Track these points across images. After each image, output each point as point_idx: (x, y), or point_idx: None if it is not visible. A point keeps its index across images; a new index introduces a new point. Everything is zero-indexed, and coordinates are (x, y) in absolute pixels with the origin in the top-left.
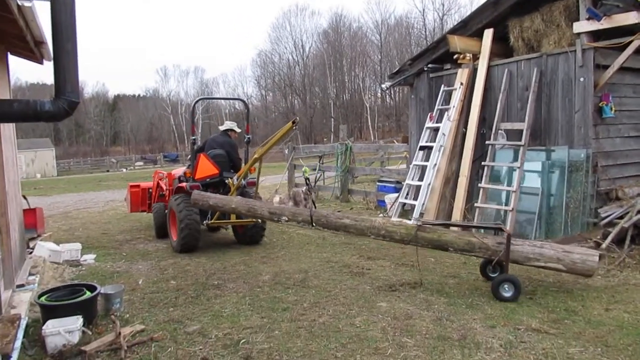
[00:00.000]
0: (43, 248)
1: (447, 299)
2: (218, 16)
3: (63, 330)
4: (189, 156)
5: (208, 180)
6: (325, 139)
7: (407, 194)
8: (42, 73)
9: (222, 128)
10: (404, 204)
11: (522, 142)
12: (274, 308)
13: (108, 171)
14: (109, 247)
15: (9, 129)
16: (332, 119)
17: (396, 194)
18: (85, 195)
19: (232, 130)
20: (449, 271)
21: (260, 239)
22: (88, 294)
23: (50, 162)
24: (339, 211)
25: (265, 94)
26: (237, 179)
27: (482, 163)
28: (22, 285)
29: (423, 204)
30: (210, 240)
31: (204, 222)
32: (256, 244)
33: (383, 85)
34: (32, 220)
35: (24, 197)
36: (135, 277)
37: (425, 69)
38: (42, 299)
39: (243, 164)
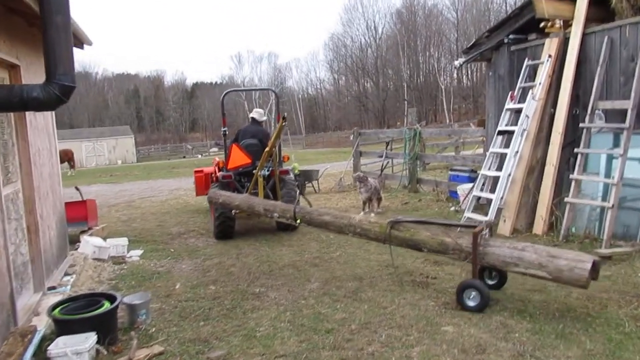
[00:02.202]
0: (88, 244)
1: (531, 324)
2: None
3: (70, 352)
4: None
5: (241, 169)
6: (398, 123)
7: (483, 186)
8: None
9: (254, 115)
10: (479, 198)
11: (627, 125)
12: (316, 329)
13: (184, 157)
14: (159, 242)
15: (44, 118)
16: (406, 102)
17: (470, 185)
18: (153, 183)
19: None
20: (533, 283)
21: (295, 227)
22: (106, 306)
23: (130, 149)
24: (405, 203)
25: (338, 78)
26: (259, 171)
27: (575, 150)
28: (53, 288)
29: (502, 197)
30: (265, 234)
31: (232, 211)
32: (292, 230)
33: (456, 62)
34: (82, 213)
35: (77, 188)
36: (175, 280)
37: (506, 40)
38: (56, 311)
39: (279, 151)
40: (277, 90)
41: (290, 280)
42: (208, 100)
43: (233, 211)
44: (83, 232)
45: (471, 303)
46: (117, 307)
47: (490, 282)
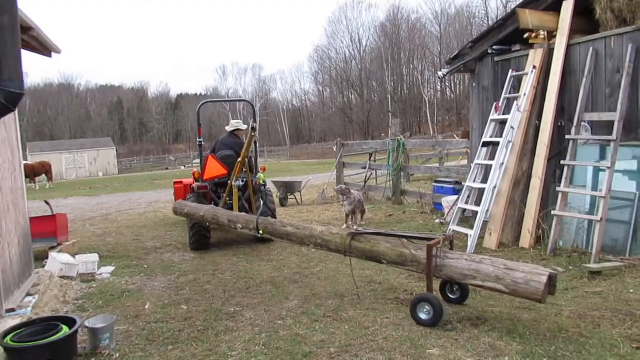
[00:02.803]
0: (55, 261)
1: (521, 346)
2: (275, 13)
3: None
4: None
5: (217, 180)
6: (383, 134)
7: (468, 198)
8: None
9: (228, 129)
10: (464, 210)
11: (613, 137)
12: (293, 352)
13: (167, 169)
14: (133, 257)
15: (5, 129)
16: (390, 114)
17: (455, 197)
18: (132, 196)
19: (238, 129)
20: (520, 301)
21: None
22: (64, 331)
23: (111, 161)
24: (389, 215)
25: (323, 90)
26: (234, 180)
27: (561, 162)
28: (12, 310)
29: (487, 210)
30: (244, 248)
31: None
32: (270, 242)
33: (440, 73)
34: (51, 228)
35: (47, 202)
36: (146, 298)
37: (490, 51)
38: (8, 338)
39: (254, 162)
40: (253, 102)
41: (268, 298)
42: (192, 112)
43: (207, 222)
44: (52, 248)
45: (424, 317)
46: (76, 332)
47: (452, 297)
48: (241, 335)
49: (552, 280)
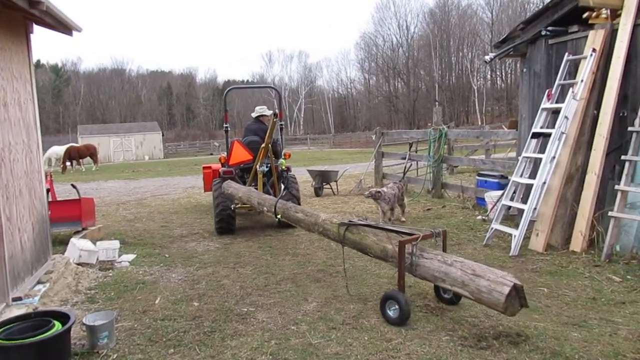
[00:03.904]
0: (74, 247)
1: None
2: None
3: None
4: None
5: (242, 165)
6: (428, 124)
7: (514, 194)
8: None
9: (254, 115)
10: (509, 207)
11: None
12: None
13: (212, 154)
14: (157, 245)
15: (20, 110)
16: (437, 103)
17: (499, 192)
18: (170, 180)
19: (263, 115)
20: (569, 314)
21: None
22: (55, 329)
23: (157, 145)
24: (428, 209)
25: (369, 78)
26: (258, 165)
27: (622, 157)
28: (19, 299)
29: (535, 208)
30: (271, 240)
31: (232, 206)
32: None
33: (486, 57)
34: (76, 212)
35: (73, 185)
36: (158, 292)
37: (543, 33)
38: None
39: (281, 149)
40: (276, 87)
41: (285, 298)
42: (238, 98)
43: (233, 206)
44: (77, 232)
45: (392, 315)
46: (68, 330)
47: (446, 296)
48: (249, 342)
49: (518, 291)
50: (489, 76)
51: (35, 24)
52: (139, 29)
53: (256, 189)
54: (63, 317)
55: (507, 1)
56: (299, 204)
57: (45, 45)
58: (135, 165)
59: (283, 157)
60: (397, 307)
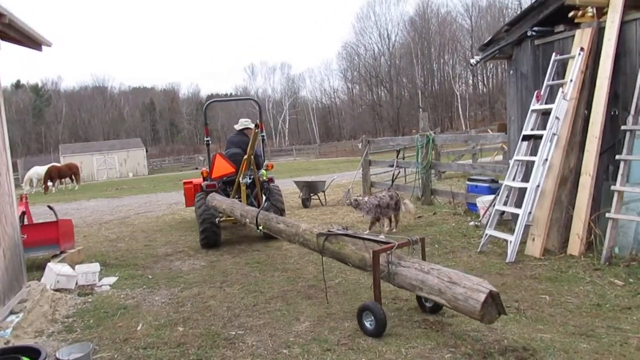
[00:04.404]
0: (51, 272)
1: None
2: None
3: None
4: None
5: (225, 178)
6: (413, 131)
7: (507, 198)
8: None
9: (237, 127)
10: (503, 212)
11: None
12: None
13: (197, 168)
14: (139, 266)
15: None
16: (420, 110)
17: (491, 197)
18: (154, 197)
19: (247, 128)
20: (575, 323)
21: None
22: None
23: (141, 161)
24: (419, 217)
25: (352, 87)
26: (241, 177)
27: (616, 157)
28: None
29: (529, 212)
30: (259, 255)
31: (216, 219)
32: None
33: (472, 60)
34: (53, 235)
35: (50, 207)
36: (141, 317)
37: (529, 34)
38: None
39: (263, 160)
40: (256, 99)
41: (276, 318)
42: (222, 112)
43: (217, 219)
44: (55, 256)
45: (369, 326)
46: None
47: (428, 305)
48: None
49: (494, 298)
50: (470, 81)
51: (1, 39)
52: (120, 45)
53: (240, 201)
54: (33, 353)
55: (485, 7)
56: (283, 215)
57: (25, 65)
58: (119, 183)
59: (265, 168)
60: (372, 318)
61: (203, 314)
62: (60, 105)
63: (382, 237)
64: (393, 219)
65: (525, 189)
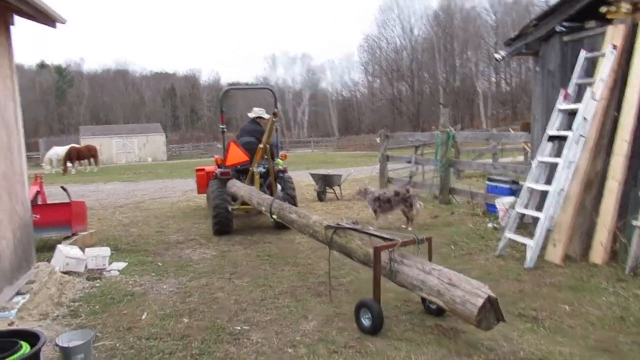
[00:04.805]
0: (61, 254)
1: None
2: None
3: None
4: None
5: (239, 166)
6: (433, 127)
7: (528, 201)
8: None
9: (251, 115)
10: (523, 215)
11: None
12: None
13: (213, 156)
14: (150, 252)
15: (1, 107)
16: (442, 105)
17: (511, 198)
18: (170, 183)
19: (260, 117)
20: (596, 337)
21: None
22: (22, 352)
23: (160, 146)
24: (435, 216)
25: (372, 81)
26: (255, 167)
27: None
28: None
29: (552, 216)
30: (270, 247)
31: (229, 207)
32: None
33: (497, 55)
34: (65, 217)
35: (63, 188)
36: (146, 306)
37: (558, 29)
38: None
39: (277, 150)
40: (272, 88)
41: (283, 315)
42: (242, 100)
43: (230, 207)
44: (67, 238)
45: (366, 323)
46: (36, 353)
47: (432, 306)
48: None
49: (492, 304)
50: (493, 79)
51: (16, 14)
52: (142, 30)
53: None
54: (32, 337)
55: (511, 4)
56: (296, 205)
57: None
58: (137, 167)
59: (280, 158)
60: (369, 315)
61: (210, 306)
62: (83, 87)
63: (383, 233)
64: (408, 216)
65: (548, 191)
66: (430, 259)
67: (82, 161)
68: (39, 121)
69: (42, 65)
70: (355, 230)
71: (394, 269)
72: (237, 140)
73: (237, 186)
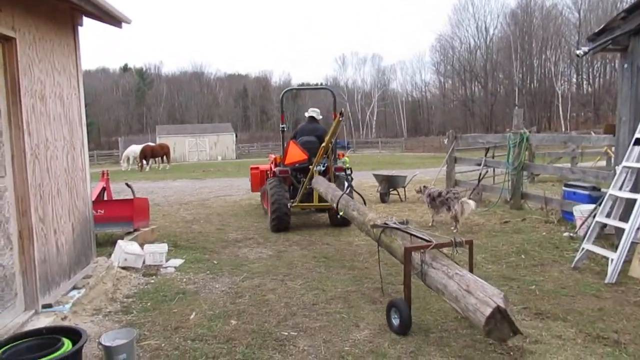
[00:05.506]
0: (120, 250)
1: None
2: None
3: None
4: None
5: (297, 165)
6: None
7: (611, 210)
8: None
9: (307, 114)
10: (604, 225)
11: None
12: None
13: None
14: (208, 250)
15: (62, 104)
16: (516, 107)
17: (590, 206)
18: (236, 181)
19: (313, 118)
20: (633, 352)
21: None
22: (64, 349)
23: (230, 145)
24: (505, 222)
25: (444, 81)
26: (315, 166)
27: None
28: (49, 306)
29: (638, 228)
30: (328, 249)
31: (288, 204)
32: (347, 226)
33: (578, 51)
34: (128, 213)
35: (128, 185)
36: (197, 305)
37: None
38: None
39: (336, 148)
40: (331, 88)
41: (334, 322)
42: (311, 100)
43: (289, 205)
44: (129, 233)
45: (394, 323)
46: (77, 352)
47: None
48: None
49: (503, 315)
50: (574, 80)
51: (84, 15)
52: (217, 33)
53: (311, 189)
54: (75, 335)
55: (596, 1)
56: (365, 203)
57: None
58: (206, 165)
59: (337, 157)
60: (397, 315)
61: (259, 308)
62: (161, 88)
63: (423, 234)
64: (451, 218)
65: (635, 200)
66: (470, 265)
67: (155, 159)
68: (119, 121)
69: (125, 68)
70: (397, 229)
71: (424, 270)
72: (293, 139)
73: (318, 182)
